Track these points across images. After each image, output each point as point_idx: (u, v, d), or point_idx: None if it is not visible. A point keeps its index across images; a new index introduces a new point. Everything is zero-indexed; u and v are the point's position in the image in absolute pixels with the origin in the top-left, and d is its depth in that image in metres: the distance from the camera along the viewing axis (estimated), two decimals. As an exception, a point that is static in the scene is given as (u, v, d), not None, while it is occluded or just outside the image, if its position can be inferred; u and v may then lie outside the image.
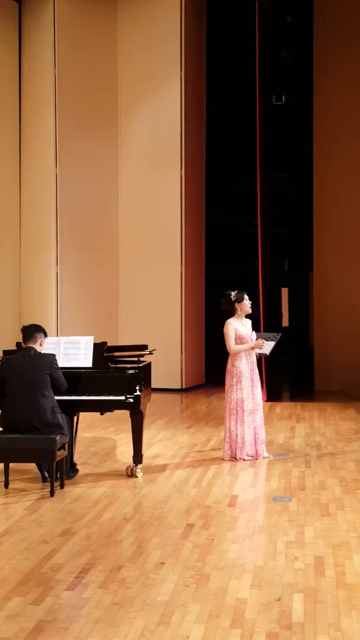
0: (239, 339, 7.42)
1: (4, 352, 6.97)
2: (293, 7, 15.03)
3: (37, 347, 6.37)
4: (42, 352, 6.41)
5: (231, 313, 7.55)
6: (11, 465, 6.40)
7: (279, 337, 7.71)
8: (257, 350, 7.50)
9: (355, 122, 13.00)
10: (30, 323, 6.66)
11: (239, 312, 7.52)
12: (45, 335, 6.51)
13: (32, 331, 6.42)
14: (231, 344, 7.41)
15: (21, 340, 6.50)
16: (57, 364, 6.33)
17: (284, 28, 15.45)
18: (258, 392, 7.52)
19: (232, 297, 7.51)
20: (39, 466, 6.60)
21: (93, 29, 13.37)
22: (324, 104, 13.17)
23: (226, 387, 7.50)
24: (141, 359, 7.02)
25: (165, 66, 13.20)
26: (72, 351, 6.73)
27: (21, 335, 6.48)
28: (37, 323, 6.67)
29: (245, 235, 15.54)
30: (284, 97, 16.21)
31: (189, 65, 13.28)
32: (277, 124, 15.18)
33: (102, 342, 6.87)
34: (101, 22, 13.49)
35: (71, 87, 13.08)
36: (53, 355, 6.36)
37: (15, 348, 6.92)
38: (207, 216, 14.33)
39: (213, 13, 14.18)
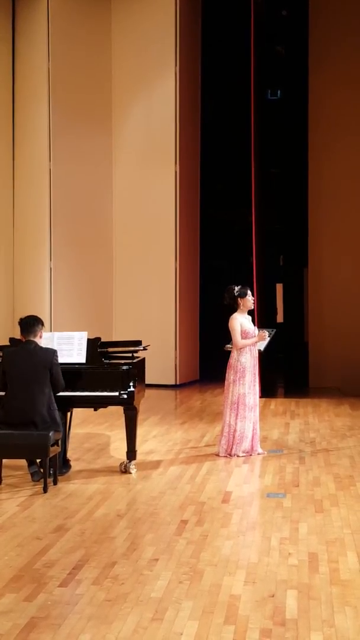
0: (244, 334, 7.39)
1: (11, 340, 6.91)
2: (288, 1, 14.98)
3: (37, 340, 6.33)
4: (43, 346, 6.37)
5: (233, 308, 7.53)
6: (4, 461, 6.37)
7: (273, 333, 7.69)
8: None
9: (350, 117, 12.98)
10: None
11: (241, 307, 7.49)
12: (43, 325, 6.46)
13: (32, 324, 6.34)
14: (238, 339, 7.37)
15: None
16: (57, 360, 6.27)
17: (279, 22, 15.40)
18: (257, 388, 7.52)
19: (235, 291, 7.48)
20: (28, 466, 6.52)
21: (87, 25, 13.30)
22: (319, 99, 13.15)
23: (227, 382, 7.47)
24: (135, 354, 6.99)
25: (160, 61, 13.15)
26: (66, 347, 6.69)
27: (19, 328, 6.39)
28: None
29: (240, 230, 15.51)
30: (279, 91, 16.16)
31: (184, 60, 13.23)
32: (272, 119, 15.14)
33: (95, 338, 6.85)
34: (95, 18, 13.42)
35: (65, 83, 13.01)
36: (54, 351, 6.30)
37: (8, 344, 6.87)
38: (202, 212, 14.29)
39: (208, 7, 14.13)
